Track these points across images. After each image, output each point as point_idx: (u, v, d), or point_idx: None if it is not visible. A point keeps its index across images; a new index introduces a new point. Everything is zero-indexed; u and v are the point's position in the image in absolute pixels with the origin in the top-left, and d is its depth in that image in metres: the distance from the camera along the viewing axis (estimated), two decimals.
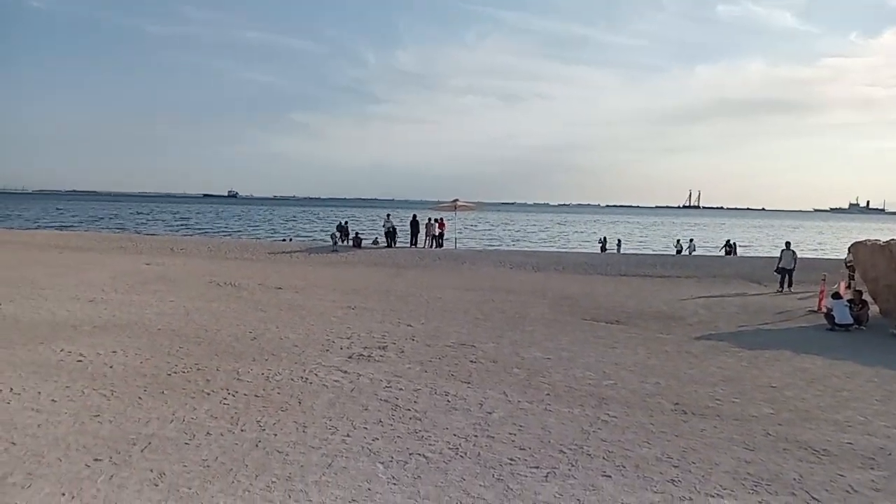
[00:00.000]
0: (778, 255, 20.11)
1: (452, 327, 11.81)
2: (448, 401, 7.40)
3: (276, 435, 6.11)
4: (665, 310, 14.83)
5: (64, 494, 4.75)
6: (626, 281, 20.94)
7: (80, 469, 5.19)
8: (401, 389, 7.76)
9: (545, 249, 39.47)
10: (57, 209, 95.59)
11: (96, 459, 5.38)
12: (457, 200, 36.45)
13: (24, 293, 13.98)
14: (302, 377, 8.14)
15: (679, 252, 34.93)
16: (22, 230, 42.73)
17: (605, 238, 39.82)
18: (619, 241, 40.01)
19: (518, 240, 52.89)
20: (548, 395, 7.76)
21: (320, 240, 39.72)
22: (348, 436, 6.15)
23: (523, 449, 5.99)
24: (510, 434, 6.36)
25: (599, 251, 35.95)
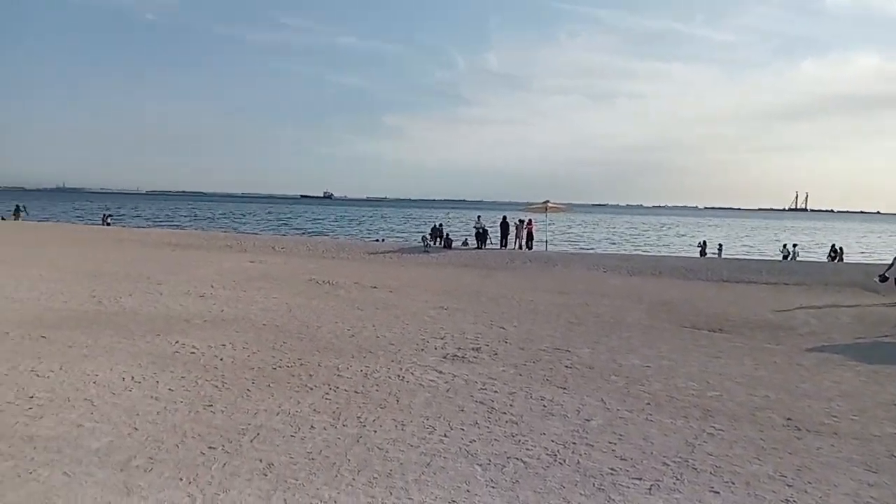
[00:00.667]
0: (890, 261, 18.59)
1: (545, 331, 11.68)
2: (544, 406, 7.31)
3: (375, 431, 6.24)
4: (772, 319, 14.03)
5: (182, 479, 5.04)
6: (728, 287, 19.99)
7: (196, 456, 5.50)
8: (496, 392, 7.74)
9: (640, 253, 38.35)
10: (169, 209, 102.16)
11: (210, 447, 5.69)
12: (547, 202, 36.07)
13: (142, 288, 15.01)
14: (399, 375, 8.29)
15: (786, 257, 33.05)
16: (138, 229, 45.99)
17: (704, 241, 38.22)
18: (720, 245, 38.34)
19: (612, 243, 51.67)
20: (648, 404, 7.51)
21: (413, 240, 40.36)
22: (445, 436, 6.20)
23: (624, 459, 5.82)
24: (610, 443, 6.21)
25: (699, 255, 34.54)
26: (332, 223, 72.17)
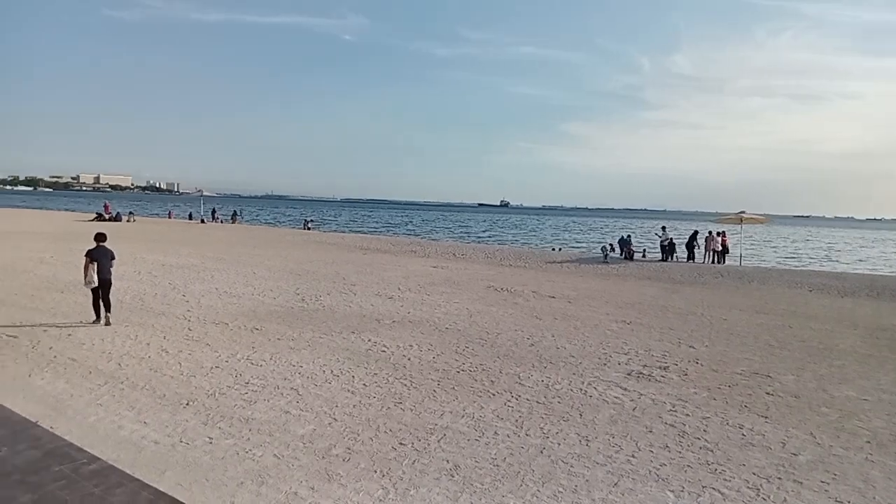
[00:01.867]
0: None
1: (742, 353, 10.76)
2: (743, 434, 6.72)
3: (559, 444, 6.13)
4: None
5: (376, 472, 5.32)
6: None
7: (388, 450, 5.78)
8: (687, 415, 7.27)
9: (854, 271, 34.09)
10: (361, 216, 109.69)
11: (401, 443, 5.95)
12: (742, 213, 33.41)
13: (338, 288, 16.21)
14: (581, 389, 8.09)
15: None
16: (334, 233, 49.86)
17: None
18: None
19: (817, 258, 46.50)
20: (868, 442, 6.61)
21: (592, 250, 39.48)
22: (633, 456, 5.92)
23: (840, 502, 5.16)
24: (822, 482, 5.54)
25: None
26: (508, 231, 72.94)
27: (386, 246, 33.67)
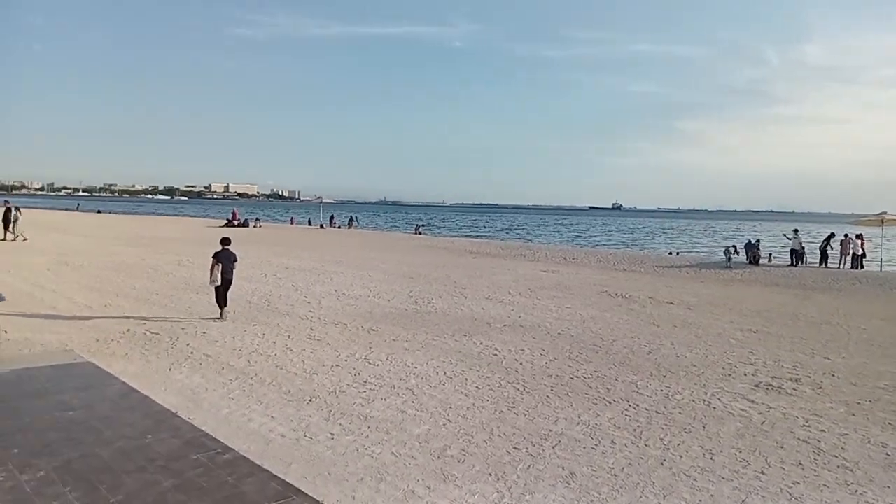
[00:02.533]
0: None
1: (885, 366, 9.84)
2: (887, 454, 6.14)
3: (681, 457, 5.87)
4: None
5: (490, 475, 5.32)
6: None
7: (503, 454, 5.77)
8: (822, 431, 6.74)
9: None
10: (470, 220, 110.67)
11: (515, 448, 5.93)
12: (884, 214, 30.63)
13: (449, 291, 16.42)
14: (704, 400, 7.71)
15: None
16: (443, 237, 50.61)
17: None
18: None
19: None
20: None
21: (714, 255, 37.60)
22: (762, 473, 5.56)
23: None
24: None
25: None
26: (622, 235, 70.91)
27: (495, 250, 33.75)
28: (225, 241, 11.95)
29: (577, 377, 8.51)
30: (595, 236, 66.19)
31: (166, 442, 5.51)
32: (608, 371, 8.89)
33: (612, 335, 11.44)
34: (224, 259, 11.57)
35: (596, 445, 6.07)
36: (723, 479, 5.41)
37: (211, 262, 11.60)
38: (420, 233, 54.70)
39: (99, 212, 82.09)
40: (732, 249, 29.56)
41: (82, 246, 26.87)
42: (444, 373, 8.49)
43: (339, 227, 57.03)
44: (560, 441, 6.14)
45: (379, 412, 6.83)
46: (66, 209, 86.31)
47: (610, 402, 7.46)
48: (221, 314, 11.65)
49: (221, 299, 11.70)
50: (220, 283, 11.47)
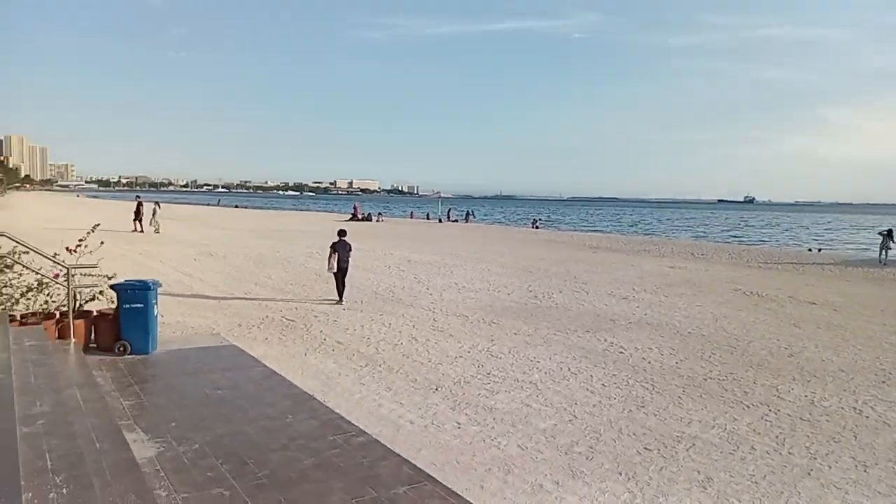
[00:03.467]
0: None
1: None
2: None
3: (829, 468, 5.43)
4: None
5: (620, 474, 5.19)
6: None
7: (633, 455, 5.60)
8: None
9: None
10: (588, 213, 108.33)
11: (646, 448, 5.74)
12: None
13: (569, 286, 16.16)
14: (854, 408, 7.09)
15: None
16: (561, 231, 49.87)
17: None
18: None
19: None
20: None
21: (864, 252, 34.48)
22: None
23: None
24: None
25: None
26: (755, 230, 66.55)
27: (617, 245, 32.80)
28: (341, 233, 13.25)
29: (710, 378, 8.10)
30: (726, 231, 62.58)
31: (305, 422, 5.82)
32: (745, 373, 8.39)
33: (747, 336, 10.78)
34: (340, 249, 12.73)
35: (734, 451, 5.75)
36: (879, 493, 4.96)
37: (329, 252, 12.84)
38: (537, 227, 54.29)
39: (236, 206, 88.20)
40: (887, 234, 26.66)
41: (223, 238, 29.01)
42: (569, 368, 8.37)
43: (456, 221, 57.75)
44: (694, 444, 5.88)
45: (504, 404, 6.85)
46: (208, 204, 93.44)
47: (748, 407, 7.03)
48: (340, 299, 12.67)
49: (340, 285, 12.72)
50: (336, 269, 12.57)
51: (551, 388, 7.47)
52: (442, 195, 73.30)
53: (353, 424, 5.80)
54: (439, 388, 7.34)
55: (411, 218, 64.91)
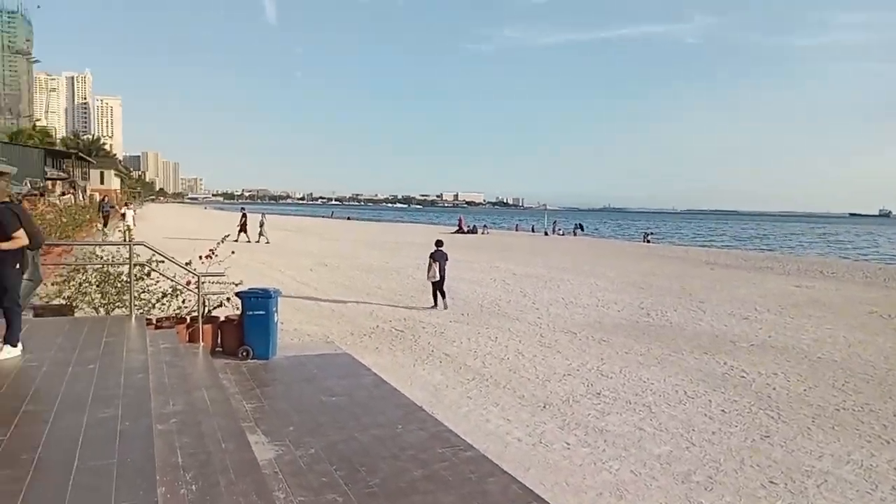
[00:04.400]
0: None
1: None
2: None
3: None
4: None
5: None
6: None
7: (757, 488, 5.25)
8: None
9: None
10: (704, 228, 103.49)
11: (771, 482, 5.37)
12: None
13: (685, 304, 15.47)
14: None
15: None
16: (675, 246, 47.89)
17: None
18: None
19: None
20: None
21: None
22: None
23: None
24: None
25: None
26: (893, 246, 60.89)
27: (736, 261, 31.05)
28: (438, 244, 14.27)
29: (843, 409, 7.46)
30: (859, 248, 57.72)
31: (414, 433, 5.91)
32: (884, 405, 7.66)
33: (886, 364, 9.86)
34: (439, 258, 13.61)
35: (872, 489, 5.26)
36: None
37: (428, 261, 13.79)
38: (648, 241, 52.46)
39: (349, 218, 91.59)
40: None
41: (336, 249, 30.19)
42: (685, 392, 7.99)
43: (563, 234, 56.92)
44: (826, 480, 5.43)
45: (615, 426, 6.64)
46: (322, 216, 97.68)
47: (888, 442, 6.42)
48: (437, 305, 13.52)
49: (438, 291, 13.58)
50: (437, 278, 13.44)
51: (666, 412, 7.16)
52: (548, 207, 72.56)
53: (460, 438, 5.82)
54: (547, 406, 7.23)
55: (516, 230, 64.65)
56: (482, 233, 52.21)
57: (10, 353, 5.49)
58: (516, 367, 8.91)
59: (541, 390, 7.85)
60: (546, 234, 56.91)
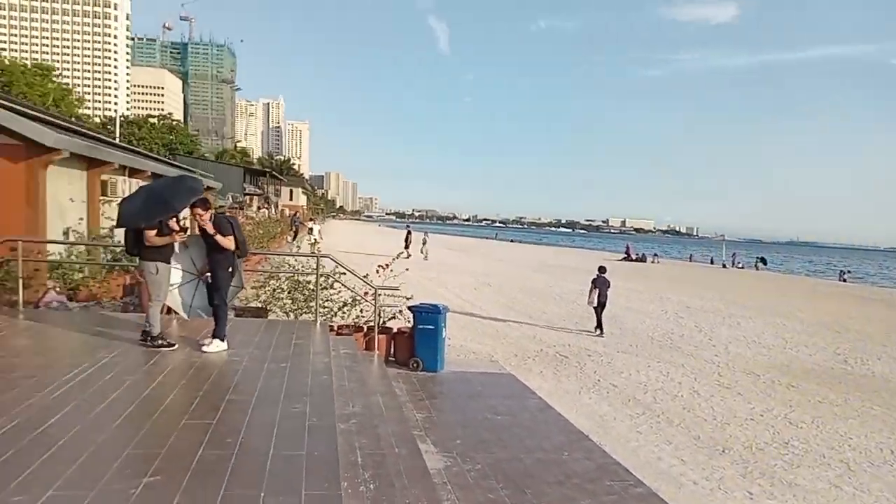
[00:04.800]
0: None
1: None
2: None
3: None
4: None
5: None
6: None
7: None
8: None
9: None
10: None
11: None
12: None
13: (891, 353, 13.63)
14: None
15: None
16: (879, 287, 42.47)
17: None
18: None
19: None
20: None
21: None
22: None
23: None
24: None
25: None
26: None
27: None
28: (601, 270, 14.15)
29: None
30: None
31: (580, 462, 5.72)
32: None
33: None
34: (600, 284, 13.59)
35: None
36: None
37: (590, 287, 13.79)
38: (845, 279, 47.06)
39: (511, 241, 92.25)
40: None
41: (500, 269, 30.47)
42: (891, 451, 7.01)
43: (743, 268, 52.81)
44: None
45: (807, 481, 5.97)
46: (486, 237, 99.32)
47: None
48: (598, 329, 13.37)
49: (599, 317, 13.47)
50: (596, 304, 13.45)
51: (868, 472, 6.31)
52: (726, 238, 67.70)
53: (630, 473, 5.54)
54: (727, 451, 6.68)
55: (690, 261, 61.10)
56: (651, 261, 50.02)
57: (219, 346, 6.14)
58: (691, 406, 8.35)
59: (719, 433, 7.28)
60: (724, 266, 53.18)
